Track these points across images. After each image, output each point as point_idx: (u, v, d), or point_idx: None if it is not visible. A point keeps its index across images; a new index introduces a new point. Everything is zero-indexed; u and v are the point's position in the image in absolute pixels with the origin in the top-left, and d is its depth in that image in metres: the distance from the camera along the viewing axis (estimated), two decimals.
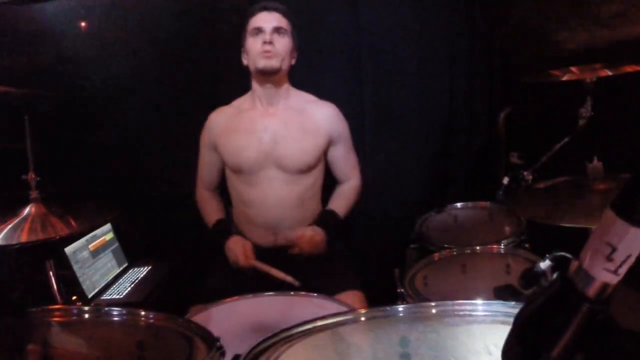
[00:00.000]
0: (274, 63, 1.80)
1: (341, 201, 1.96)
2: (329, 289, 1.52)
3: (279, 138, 1.84)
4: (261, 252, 1.81)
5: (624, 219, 0.51)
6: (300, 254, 1.79)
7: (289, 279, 1.63)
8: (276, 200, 1.85)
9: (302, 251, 1.79)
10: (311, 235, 1.81)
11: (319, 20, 2.27)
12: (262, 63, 1.81)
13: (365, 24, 2.26)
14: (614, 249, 0.51)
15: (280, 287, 1.56)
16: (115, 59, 2.29)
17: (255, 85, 1.90)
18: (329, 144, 1.92)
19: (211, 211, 1.98)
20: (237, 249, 1.79)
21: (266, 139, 1.84)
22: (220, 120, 1.95)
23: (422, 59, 2.31)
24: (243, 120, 1.90)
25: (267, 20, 1.82)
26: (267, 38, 1.79)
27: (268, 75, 1.84)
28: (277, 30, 1.82)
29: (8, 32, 2.21)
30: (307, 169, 1.87)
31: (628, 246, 0.51)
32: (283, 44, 1.83)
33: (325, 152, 1.93)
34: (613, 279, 0.53)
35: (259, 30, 1.82)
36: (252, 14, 1.86)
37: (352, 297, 1.68)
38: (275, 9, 1.85)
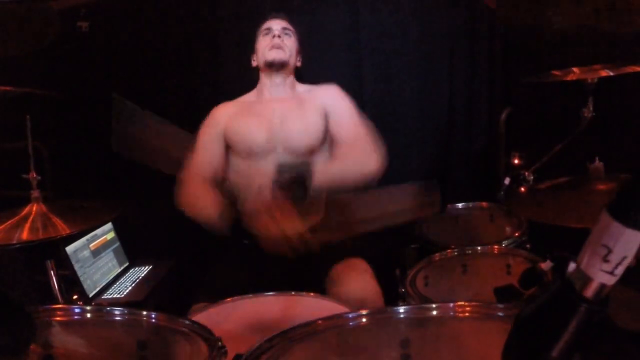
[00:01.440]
0: (282, 55, 1.91)
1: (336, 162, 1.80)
2: (328, 260, 1.46)
3: (285, 119, 1.87)
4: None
5: (619, 220, 0.51)
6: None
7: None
8: None
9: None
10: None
11: (319, 20, 2.27)
12: (272, 55, 1.91)
13: (365, 24, 2.26)
14: (609, 251, 0.51)
15: (281, 287, 1.55)
16: (115, 59, 2.30)
17: (263, 78, 1.96)
18: (327, 116, 1.88)
19: (211, 203, 1.77)
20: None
21: (275, 120, 1.87)
22: (227, 111, 1.96)
23: (422, 59, 2.31)
24: (251, 107, 1.95)
25: (276, 22, 1.99)
26: (277, 33, 1.94)
27: (277, 68, 1.91)
28: (285, 30, 1.97)
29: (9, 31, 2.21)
30: (312, 150, 1.85)
31: (623, 247, 0.51)
32: (290, 42, 1.97)
33: (329, 132, 1.88)
34: (610, 280, 0.53)
35: (269, 30, 1.96)
36: (263, 21, 2.00)
37: (351, 264, 1.66)
38: (282, 18, 2.02)
